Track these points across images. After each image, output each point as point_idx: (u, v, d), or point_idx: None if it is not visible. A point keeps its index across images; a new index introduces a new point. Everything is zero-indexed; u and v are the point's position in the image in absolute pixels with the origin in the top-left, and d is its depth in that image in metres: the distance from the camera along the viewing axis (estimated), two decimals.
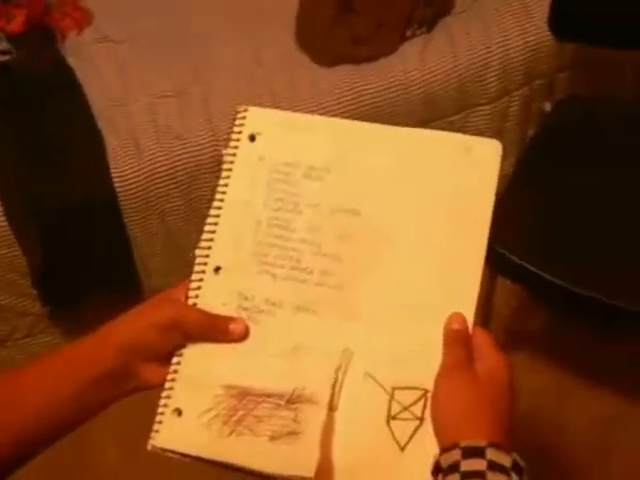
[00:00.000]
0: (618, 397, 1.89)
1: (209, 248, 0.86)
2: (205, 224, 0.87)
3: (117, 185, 1.80)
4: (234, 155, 0.89)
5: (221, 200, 0.87)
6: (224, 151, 0.90)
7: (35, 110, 1.90)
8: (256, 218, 0.86)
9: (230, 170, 0.89)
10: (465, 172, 0.85)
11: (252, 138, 0.90)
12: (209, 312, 0.83)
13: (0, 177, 1.82)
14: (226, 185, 0.88)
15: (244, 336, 0.83)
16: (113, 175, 1.80)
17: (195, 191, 1.83)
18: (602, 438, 1.85)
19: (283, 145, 0.89)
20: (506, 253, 1.50)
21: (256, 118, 0.90)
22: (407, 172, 0.87)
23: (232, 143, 0.90)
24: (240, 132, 0.90)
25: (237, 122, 0.90)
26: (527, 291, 1.82)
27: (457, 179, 0.85)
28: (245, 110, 0.91)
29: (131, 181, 1.81)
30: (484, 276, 0.82)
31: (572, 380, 1.93)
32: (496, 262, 1.48)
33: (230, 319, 0.83)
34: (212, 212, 0.87)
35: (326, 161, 0.88)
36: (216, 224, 0.87)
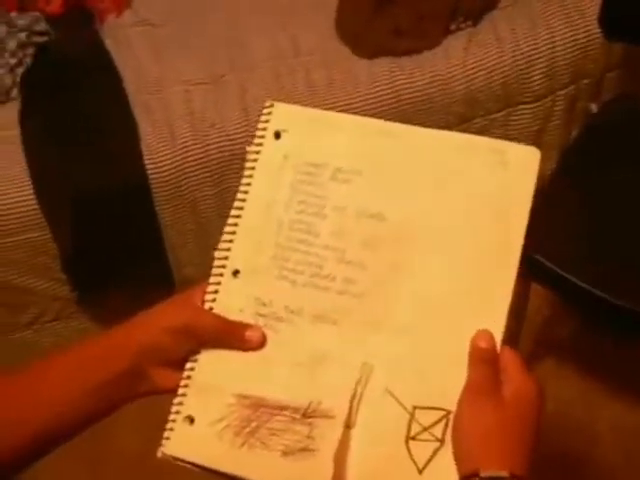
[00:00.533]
0: None
1: (228, 250, 0.82)
2: (225, 224, 0.84)
3: (149, 171, 1.78)
4: (258, 152, 0.85)
5: (243, 200, 0.84)
6: (248, 148, 0.86)
7: (71, 92, 1.88)
8: (278, 220, 0.83)
9: (253, 168, 0.85)
10: (500, 180, 0.80)
11: (277, 135, 0.85)
12: (226, 318, 0.80)
13: (34, 159, 1.81)
14: (248, 184, 0.84)
15: (261, 345, 0.79)
16: (146, 161, 1.78)
17: (228, 181, 1.81)
18: (630, 446, 1.83)
19: (310, 144, 0.85)
20: (540, 258, 1.45)
21: (282, 114, 0.86)
22: (438, 178, 0.82)
23: (256, 140, 0.86)
24: (265, 128, 0.86)
25: (262, 118, 0.86)
26: (560, 297, 1.77)
27: (491, 187, 0.80)
28: (271, 105, 0.87)
29: (164, 168, 1.79)
30: (517, 281, 0.78)
31: (601, 388, 1.90)
32: (529, 267, 1.43)
33: (247, 326, 0.80)
34: (233, 212, 0.83)
35: (354, 163, 0.83)
36: (236, 225, 0.83)
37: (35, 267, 1.89)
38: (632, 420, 1.85)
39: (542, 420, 0.72)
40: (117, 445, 1.92)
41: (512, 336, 1.73)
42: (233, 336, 0.79)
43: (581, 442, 1.83)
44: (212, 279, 0.82)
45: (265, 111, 0.87)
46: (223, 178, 1.81)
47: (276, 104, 0.87)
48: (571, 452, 1.78)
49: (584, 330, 1.96)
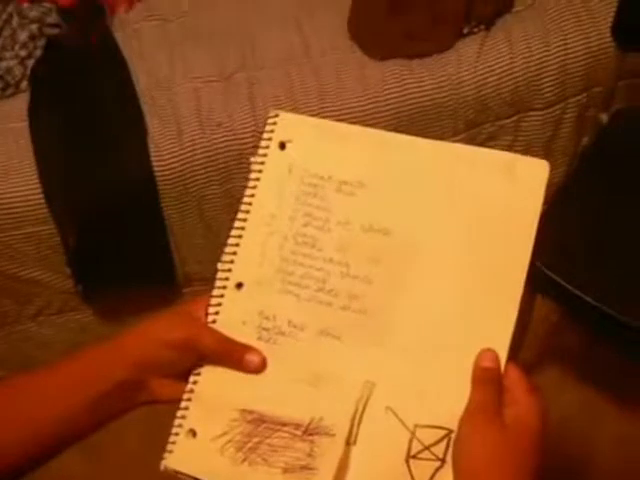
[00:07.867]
0: None
1: (231, 262, 0.82)
2: (229, 236, 0.83)
3: (156, 168, 1.77)
4: (262, 163, 0.84)
5: (247, 212, 0.83)
6: (252, 159, 0.85)
7: (80, 85, 1.88)
8: (283, 233, 0.82)
9: (257, 179, 0.84)
10: (509, 195, 0.79)
11: (282, 146, 0.84)
12: (227, 336, 0.79)
13: (42, 152, 1.80)
14: (252, 195, 0.84)
15: (260, 369, 0.78)
16: (152, 158, 1.77)
17: (234, 180, 1.80)
18: (631, 459, 1.82)
19: (315, 155, 0.84)
20: (545, 269, 1.43)
21: (288, 124, 0.85)
22: (445, 191, 0.80)
23: (261, 150, 0.85)
24: (270, 139, 0.85)
25: (267, 128, 0.85)
26: (564, 310, 1.75)
27: (499, 202, 0.79)
28: (276, 115, 0.86)
29: (170, 165, 1.78)
30: (523, 292, 0.77)
31: (604, 400, 1.89)
32: (534, 278, 1.41)
33: (247, 349, 0.79)
34: (236, 224, 0.83)
35: (360, 175, 0.82)
36: (240, 237, 0.82)
37: (41, 260, 1.89)
38: (634, 432, 1.84)
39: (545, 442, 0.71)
40: (117, 436, 1.91)
41: (515, 344, 1.73)
42: (232, 357, 0.79)
43: (582, 453, 1.81)
44: (215, 292, 0.81)
45: (270, 121, 0.86)
46: (230, 177, 1.80)
47: (281, 114, 0.86)
48: (571, 462, 1.76)
49: (589, 341, 1.94)
